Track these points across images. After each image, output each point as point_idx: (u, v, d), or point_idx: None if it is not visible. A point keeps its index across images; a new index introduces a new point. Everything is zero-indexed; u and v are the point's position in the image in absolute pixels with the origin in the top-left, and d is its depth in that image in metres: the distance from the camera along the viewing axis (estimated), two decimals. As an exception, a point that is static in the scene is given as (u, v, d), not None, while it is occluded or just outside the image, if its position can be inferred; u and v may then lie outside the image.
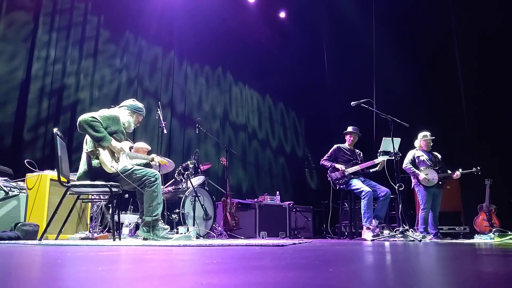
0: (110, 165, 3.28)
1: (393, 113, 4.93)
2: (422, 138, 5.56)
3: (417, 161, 5.48)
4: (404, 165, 5.45)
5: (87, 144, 3.36)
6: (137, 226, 4.26)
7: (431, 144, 5.56)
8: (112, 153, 3.37)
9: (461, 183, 6.24)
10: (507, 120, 6.36)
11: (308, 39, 9.07)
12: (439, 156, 5.59)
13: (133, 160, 3.80)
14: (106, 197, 3.93)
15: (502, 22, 6.41)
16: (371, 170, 5.37)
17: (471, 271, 1.20)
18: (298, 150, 9.04)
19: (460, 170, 5.39)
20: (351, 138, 5.56)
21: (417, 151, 5.57)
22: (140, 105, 3.78)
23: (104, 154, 3.29)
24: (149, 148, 4.80)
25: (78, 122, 3.25)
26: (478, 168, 5.32)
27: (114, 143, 3.35)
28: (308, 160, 9.28)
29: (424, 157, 5.47)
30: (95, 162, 3.29)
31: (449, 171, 5.42)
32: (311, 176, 9.26)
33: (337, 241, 4.93)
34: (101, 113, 3.41)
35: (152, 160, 3.84)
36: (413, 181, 5.48)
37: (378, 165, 5.23)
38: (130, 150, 3.65)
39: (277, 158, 8.76)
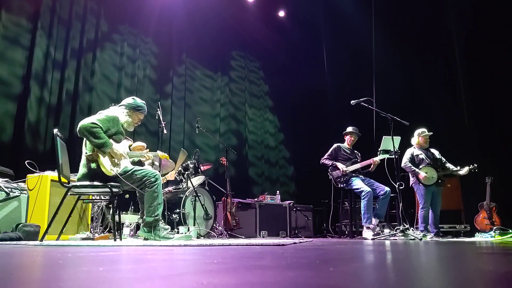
0: (110, 169, 3.26)
1: (393, 111, 4.92)
2: (421, 134, 5.45)
3: (416, 159, 5.40)
4: (403, 164, 5.35)
5: (86, 147, 3.33)
6: (138, 226, 4.25)
7: (429, 140, 5.52)
8: (112, 157, 3.34)
9: (461, 181, 6.22)
10: (508, 118, 6.34)
11: (308, 37, 9.05)
12: (437, 153, 5.51)
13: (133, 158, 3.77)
14: (106, 198, 3.93)
15: (501, 21, 6.39)
16: (364, 171, 5.36)
17: (472, 270, 1.20)
18: (298, 149, 9.02)
19: (458, 167, 5.35)
20: (351, 138, 5.55)
21: (415, 149, 5.48)
22: (140, 102, 3.67)
23: (104, 160, 3.25)
24: (145, 145, 4.82)
25: (78, 128, 3.20)
26: (475, 165, 5.26)
27: (115, 148, 3.31)
28: (308, 159, 9.25)
29: (422, 155, 5.40)
30: (94, 165, 3.27)
31: (453, 168, 5.33)
32: (311, 175, 9.23)
33: (338, 240, 4.93)
34: (101, 116, 3.36)
35: (153, 164, 3.82)
36: (412, 179, 5.40)
37: (372, 166, 5.23)
38: (129, 149, 3.65)
39: (277, 157, 8.75)
